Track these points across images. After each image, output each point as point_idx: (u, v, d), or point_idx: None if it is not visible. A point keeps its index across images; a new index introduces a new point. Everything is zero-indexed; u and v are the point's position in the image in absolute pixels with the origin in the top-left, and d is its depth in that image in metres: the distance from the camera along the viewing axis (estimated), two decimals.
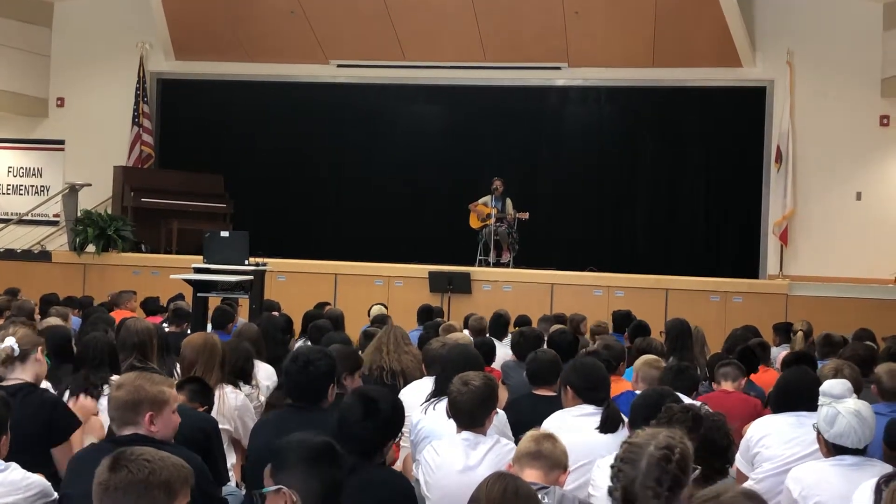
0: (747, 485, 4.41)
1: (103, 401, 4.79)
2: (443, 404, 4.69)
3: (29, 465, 3.70)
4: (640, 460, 2.79)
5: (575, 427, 4.44)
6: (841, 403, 3.84)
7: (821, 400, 3.91)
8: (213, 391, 4.76)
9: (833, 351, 7.26)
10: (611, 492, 2.87)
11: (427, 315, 9.63)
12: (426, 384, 5.38)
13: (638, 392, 4.89)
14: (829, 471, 3.82)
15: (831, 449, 3.87)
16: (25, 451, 3.87)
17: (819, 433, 3.90)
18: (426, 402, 4.98)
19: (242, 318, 8.92)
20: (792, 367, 5.44)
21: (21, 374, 4.44)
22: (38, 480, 3.58)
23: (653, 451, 2.79)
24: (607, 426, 4.40)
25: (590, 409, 4.59)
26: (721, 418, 3.38)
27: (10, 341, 4.42)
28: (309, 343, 7.39)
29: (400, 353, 6.11)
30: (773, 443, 4.43)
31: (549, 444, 3.58)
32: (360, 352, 6.08)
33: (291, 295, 11.82)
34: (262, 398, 5.78)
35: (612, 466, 2.89)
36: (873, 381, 5.34)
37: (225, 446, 4.67)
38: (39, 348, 4.52)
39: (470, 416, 4.18)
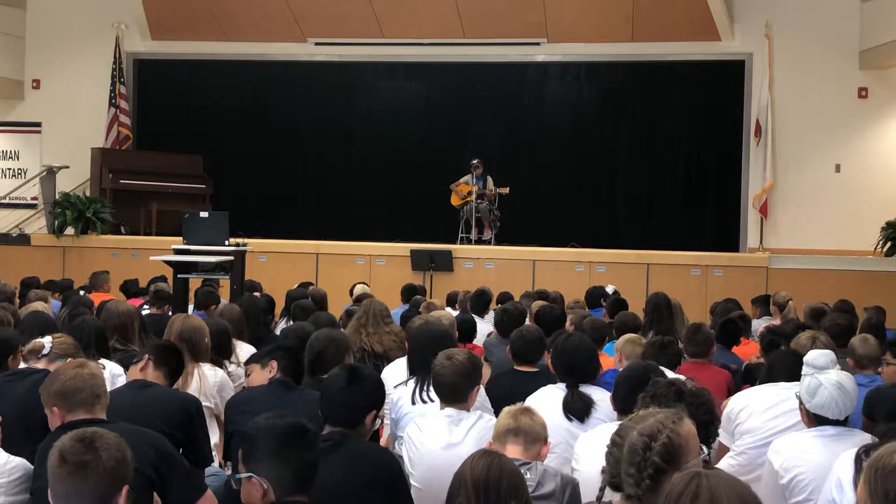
0: (728, 457, 4.44)
1: None
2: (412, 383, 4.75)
3: (26, 446, 3.68)
4: (624, 445, 2.76)
5: (556, 401, 4.46)
6: (823, 374, 3.85)
7: (804, 370, 3.93)
8: (180, 353, 4.72)
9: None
10: (603, 470, 2.88)
11: (411, 293, 9.63)
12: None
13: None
14: (810, 442, 3.83)
15: (812, 419, 3.89)
16: (27, 431, 3.86)
17: (801, 403, 3.92)
18: (404, 382, 4.97)
19: (223, 298, 8.88)
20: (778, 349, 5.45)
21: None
22: (21, 464, 3.54)
23: (634, 438, 2.74)
24: (571, 411, 4.39)
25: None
26: (704, 394, 3.36)
27: (46, 340, 4.60)
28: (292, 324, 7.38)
29: (381, 333, 6.07)
30: (753, 415, 4.45)
31: (527, 419, 3.60)
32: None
33: (273, 275, 11.79)
34: None
35: (607, 446, 2.89)
36: (848, 353, 5.36)
37: (207, 424, 4.65)
38: (69, 359, 4.50)
39: (452, 390, 4.18)
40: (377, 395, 3.76)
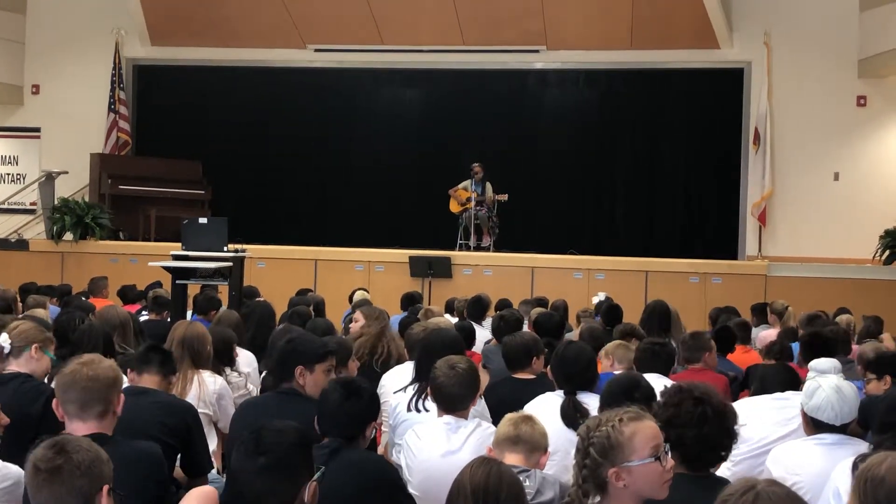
0: (724, 467, 4.42)
1: None
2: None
3: (14, 455, 3.65)
4: None
5: (555, 409, 4.46)
6: (824, 378, 3.86)
7: (808, 374, 3.95)
8: (174, 357, 4.72)
9: None
10: None
11: (411, 301, 9.63)
12: (407, 368, 5.38)
13: (615, 373, 4.91)
14: (809, 450, 3.83)
15: (810, 423, 3.88)
16: (14, 440, 3.83)
17: (802, 407, 3.93)
18: (404, 387, 4.96)
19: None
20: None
21: (16, 369, 4.42)
22: (14, 471, 3.47)
23: (580, 429, 2.85)
24: (567, 419, 4.38)
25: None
26: (728, 412, 3.29)
27: (2, 338, 4.42)
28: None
29: (398, 341, 6.12)
30: (750, 424, 4.43)
31: (528, 428, 3.60)
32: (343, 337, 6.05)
33: (271, 281, 11.78)
34: (251, 386, 5.76)
35: None
36: (860, 361, 5.38)
37: (205, 431, 4.65)
38: (34, 346, 4.46)
39: (455, 400, 4.19)
40: (374, 407, 3.77)
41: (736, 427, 3.34)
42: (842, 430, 3.84)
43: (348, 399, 3.64)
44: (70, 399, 3.41)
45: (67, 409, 3.43)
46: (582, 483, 2.78)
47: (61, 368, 3.59)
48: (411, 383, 4.91)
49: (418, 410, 4.64)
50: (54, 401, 3.51)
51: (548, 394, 4.68)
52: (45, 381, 4.48)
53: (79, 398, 3.41)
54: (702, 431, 3.18)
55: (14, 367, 4.42)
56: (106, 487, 2.62)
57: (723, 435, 3.22)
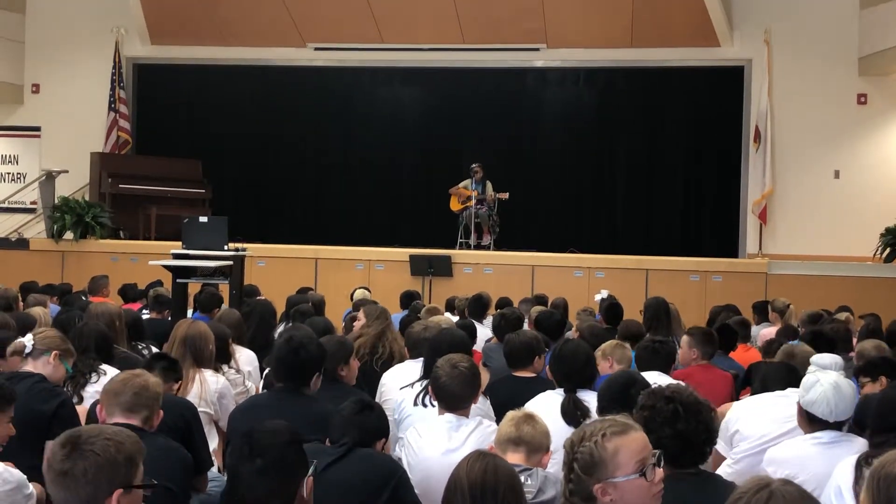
0: (725, 465, 4.41)
1: (90, 388, 4.82)
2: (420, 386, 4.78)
3: (24, 454, 3.68)
4: None
5: (556, 407, 4.45)
6: (824, 373, 3.86)
7: (809, 369, 3.94)
8: (179, 364, 4.77)
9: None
10: None
11: (410, 299, 9.63)
12: (409, 366, 5.38)
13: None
14: (806, 450, 3.81)
15: (805, 417, 3.87)
16: (25, 439, 3.84)
17: (799, 403, 3.92)
18: (410, 384, 4.97)
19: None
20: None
21: (32, 370, 4.48)
22: (15, 473, 3.49)
23: (566, 441, 2.82)
24: (567, 417, 4.38)
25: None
26: (703, 410, 3.23)
27: (27, 338, 4.58)
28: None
29: (399, 341, 6.12)
30: (750, 422, 4.44)
31: (530, 428, 3.59)
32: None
33: (272, 280, 11.78)
34: (249, 383, 5.77)
35: None
36: (861, 357, 5.39)
37: (206, 430, 4.65)
38: (54, 353, 4.55)
39: (456, 399, 4.21)
40: (384, 423, 3.88)
41: (715, 421, 3.30)
42: (836, 426, 3.83)
43: (361, 411, 3.76)
44: (119, 402, 3.61)
45: (113, 411, 3.60)
46: (569, 496, 2.75)
47: (113, 376, 3.73)
48: (419, 380, 4.92)
49: (424, 405, 4.65)
50: (98, 405, 3.57)
51: (548, 392, 4.69)
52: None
53: (128, 402, 3.61)
54: (676, 428, 3.15)
55: (30, 367, 4.49)
56: (118, 493, 2.54)
57: (699, 430, 3.18)
